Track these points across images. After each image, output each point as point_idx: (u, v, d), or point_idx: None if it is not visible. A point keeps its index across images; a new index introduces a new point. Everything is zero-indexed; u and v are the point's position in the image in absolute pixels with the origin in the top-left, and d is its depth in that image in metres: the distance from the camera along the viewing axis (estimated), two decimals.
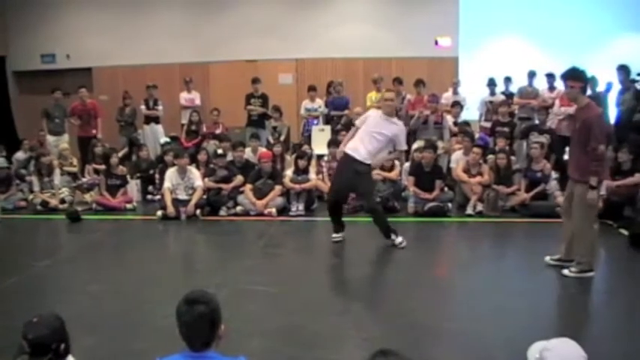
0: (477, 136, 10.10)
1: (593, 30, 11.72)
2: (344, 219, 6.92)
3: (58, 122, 10.90)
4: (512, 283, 5.64)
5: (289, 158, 9.71)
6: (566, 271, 5.58)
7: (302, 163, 8.84)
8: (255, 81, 11.31)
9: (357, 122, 6.87)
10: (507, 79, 11.16)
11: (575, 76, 5.40)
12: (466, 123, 10.35)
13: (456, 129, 10.19)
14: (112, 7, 13.30)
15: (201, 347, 2.30)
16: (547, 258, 5.90)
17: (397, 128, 6.56)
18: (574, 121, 5.85)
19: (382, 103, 6.67)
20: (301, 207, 8.44)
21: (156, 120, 11.71)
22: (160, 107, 11.70)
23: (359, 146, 6.48)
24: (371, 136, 6.48)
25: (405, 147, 6.75)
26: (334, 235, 6.84)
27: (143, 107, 11.63)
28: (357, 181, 6.54)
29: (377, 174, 8.31)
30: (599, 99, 9.51)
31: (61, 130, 10.98)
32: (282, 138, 10.70)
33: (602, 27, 11.71)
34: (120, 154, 9.91)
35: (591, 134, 5.24)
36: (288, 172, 8.88)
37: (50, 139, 10.82)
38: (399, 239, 6.55)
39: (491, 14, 12.18)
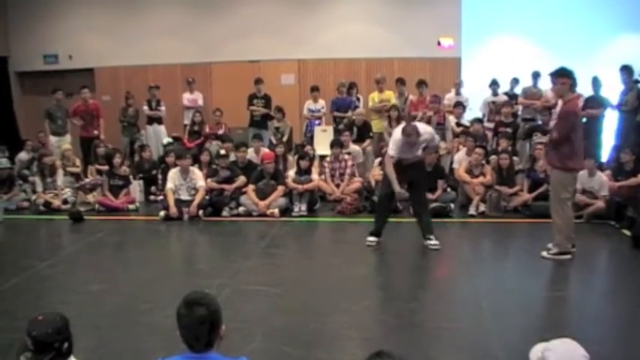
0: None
1: (595, 30, 11.70)
2: (350, 220, 6.84)
3: (61, 123, 10.91)
4: (514, 283, 5.64)
5: (292, 159, 9.71)
6: (544, 253, 6.02)
7: (304, 163, 8.84)
8: (257, 81, 11.32)
9: (391, 151, 6.58)
10: (514, 80, 11.16)
11: (566, 74, 5.90)
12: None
13: (458, 129, 10.19)
14: (114, 7, 13.32)
15: (201, 349, 2.29)
16: (544, 253, 6.16)
17: (423, 139, 6.53)
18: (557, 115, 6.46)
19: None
20: (304, 207, 8.44)
21: (158, 120, 11.73)
22: (163, 108, 11.73)
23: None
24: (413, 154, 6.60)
25: (436, 142, 6.94)
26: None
27: (146, 108, 11.65)
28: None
29: (379, 174, 8.31)
30: (600, 100, 9.52)
31: (63, 130, 10.99)
32: (284, 139, 10.70)
33: (604, 27, 11.69)
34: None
35: (558, 122, 5.97)
36: (291, 173, 8.89)
37: (52, 139, 10.83)
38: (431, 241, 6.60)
39: (493, 15, 12.17)
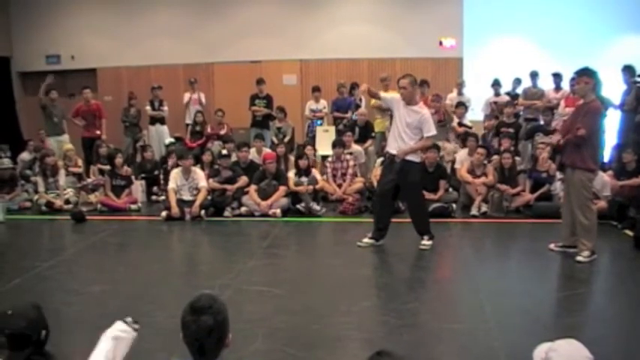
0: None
1: (597, 30, 11.69)
2: (352, 220, 6.84)
3: (57, 121, 10.83)
4: (516, 284, 5.63)
5: (293, 159, 9.72)
6: (580, 258, 5.93)
7: (303, 163, 8.85)
8: (259, 82, 11.32)
9: (386, 104, 6.91)
10: (517, 80, 11.17)
11: (590, 74, 5.87)
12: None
13: (460, 130, 10.20)
14: (117, 8, 13.34)
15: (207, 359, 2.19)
16: (551, 245, 6.33)
17: (418, 117, 6.31)
18: (574, 114, 6.24)
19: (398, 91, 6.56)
20: (317, 207, 8.44)
21: (161, 121, 11.73)
22: (166, 108, 11.73)
23: (397, 144, 6.40)
24: (402, 129, 6.36)
25: (433, 132, 6.41)
26: (365, 240, 6.70)
27: (148, 108, 11.65)
28: (398, 179, 6.46)
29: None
30: (601, 100, 9.50)
31: (60, 130, 10.92)
32: (287, 138, 10.71)
33: (606, 28, 11.69)
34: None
35: (585, 119, 5.79)
36: (290, 174, 8.88)
37: (50, 139, 10.75)
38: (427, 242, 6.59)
39: (495, 15, 12.17)
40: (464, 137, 9.90)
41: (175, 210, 8.19)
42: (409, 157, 6.36)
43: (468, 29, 12.38)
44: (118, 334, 2.53)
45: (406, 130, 6.35)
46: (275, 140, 10.70)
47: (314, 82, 12.10)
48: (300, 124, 11.94)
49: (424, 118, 6.35)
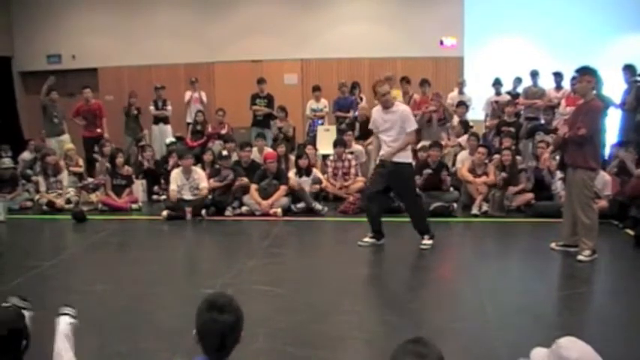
0: None
1: (597, 30, 11.68)
2: (353, 219, 6.85)
3: (57, 122, 10.81)
4: (517, 283, 5.64)
5: (293, 158, 9.72)
6: (581, 257, 5.91)
7: (303, 162, 8.86)
8: (260, 81, 11.33)
9: (371, 127, 6.73)
10: (517, 80, 11.17)
11: (592, 73, 5.88)
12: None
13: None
14: (118, 7, 13.35)
15: (223, 357, 2.21)
16: (552, 244, 6.33)
17: (397, 114, 6.31)
18: (575, 113, 6.24)
19: (378, 99, 6.57)
20: (319, 206, 8.47)
21: (164, 120, 11.73)
22: (169, 108, 11.73)
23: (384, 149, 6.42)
24: (385, 135, 6.39)
25: (414, 126, 6.45)
26: (365, 239, 6.67)
27: (152, 108, 11.65)
28: (391, 182, 6.47)
29: None
30: (602, 99, 9.50)
31: (60, 130, 10.90)
32: (290, 134, 10.74)
33: (606, 27, 11.68)
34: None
35: (586, 118, 5.78)
36: (291, 174, 8.88)
37: (50, 140, 10.74)
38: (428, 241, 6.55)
39: (495, 14, 12.17)
40: (465, 126, 9.97)
41: (174, 195, 8.28)
42: (399, 159, 6.32)
43: (468, 28, 12.38)
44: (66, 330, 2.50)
45: (390, 133, 6.35)
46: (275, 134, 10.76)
47: (315, 81, 12.10)
48: (300, 123, 11.94)
49: (404, 113, 6.38)
